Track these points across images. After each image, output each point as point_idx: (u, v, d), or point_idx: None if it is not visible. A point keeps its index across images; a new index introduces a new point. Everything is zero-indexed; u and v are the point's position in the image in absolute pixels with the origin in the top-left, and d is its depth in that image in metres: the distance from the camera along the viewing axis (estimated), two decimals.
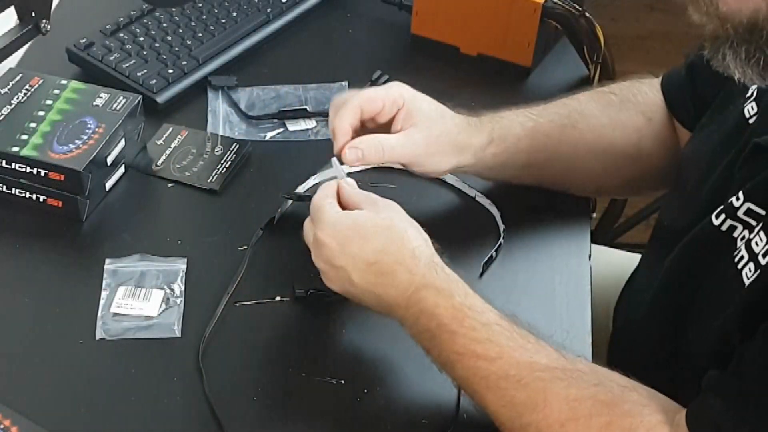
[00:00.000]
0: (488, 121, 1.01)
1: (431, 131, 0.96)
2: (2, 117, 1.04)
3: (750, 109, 0.89)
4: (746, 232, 0.81)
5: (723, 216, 0.83)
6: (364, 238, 0.85)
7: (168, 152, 1.11)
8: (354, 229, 0.86)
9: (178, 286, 0.96)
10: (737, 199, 0.82)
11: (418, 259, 0.85)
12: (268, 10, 1.30)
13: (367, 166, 1.05)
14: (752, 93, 0.90)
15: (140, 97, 1.09)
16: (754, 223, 0.80)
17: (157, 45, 1.23)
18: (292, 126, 1.17)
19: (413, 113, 0.96)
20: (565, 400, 0.77)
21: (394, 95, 0.96)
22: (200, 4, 1.30)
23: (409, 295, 0.84)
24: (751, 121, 0.88)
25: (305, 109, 1.18)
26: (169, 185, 1.08)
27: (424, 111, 0.97)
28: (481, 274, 0.99)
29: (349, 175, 0.97)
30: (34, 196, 1.02)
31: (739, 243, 0.81)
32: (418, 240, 0.86)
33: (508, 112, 1.03)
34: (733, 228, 0.82)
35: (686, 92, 1.04)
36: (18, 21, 1.01)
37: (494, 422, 0.82)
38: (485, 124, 1.00)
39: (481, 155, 0.99)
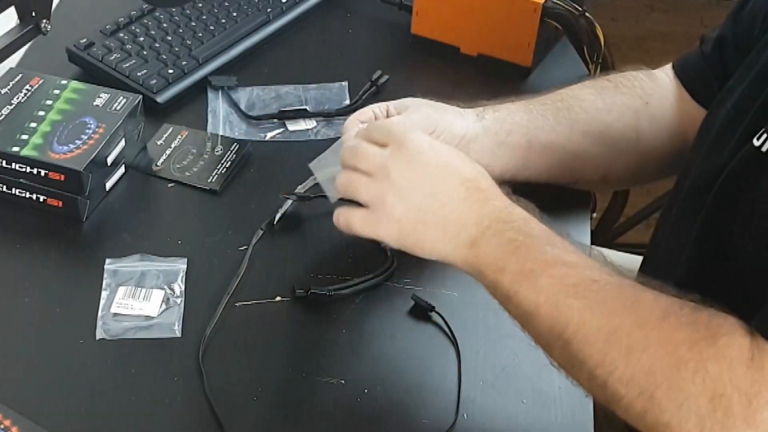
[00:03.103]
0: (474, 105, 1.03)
1: (424, 104, 0.99)
2: (2, 117, 1.04)
3: None
4: None
5: (765, 136, 0.82)
6: (464, 159, 0.87)
7: (168, 152, 1.11)
8: (454, 150, 0.88)
9: (179, 286, 0.96)
10: None
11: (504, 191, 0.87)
12: (268, 10, 1.30)
13: None
14: None
15: (140, 97, 1.09)
16: None
17: (157, 45, 1.23)
18: (292, 126, 1.17)
19: (402, 103, 0.99)
20: (655, 301, 0.76)
21: (378, 104, 0.98)
22: (200, 4, 1.30)
23: (500, 212, 0.83)
24: None
25: (305, 109, 1.18)
26: (169, 185, 1.08)
27: (409, 99, 0.99)
28: None
29: None
30: (34, 196, 1.02)
31: None
32: None
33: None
34: None
35: (708, 70, 1.04)
36: (18, 21, 1.02)
37: (570, 337, 0.77)
38: (472, 106, 1.03)
39: (483, 121, 1.00)
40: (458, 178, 0.85)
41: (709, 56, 1.05)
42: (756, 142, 0.83)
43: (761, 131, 0.83)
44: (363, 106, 1.17)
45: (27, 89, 1.08)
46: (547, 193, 1.06)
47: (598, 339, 0.76)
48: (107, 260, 0.98)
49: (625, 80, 1.08)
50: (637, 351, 0.74)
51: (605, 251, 1.32)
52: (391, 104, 0.99)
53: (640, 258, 1.08)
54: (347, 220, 0.87)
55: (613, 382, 0.75)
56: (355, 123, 0.97)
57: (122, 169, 1.08)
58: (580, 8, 1.21)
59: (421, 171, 0.84)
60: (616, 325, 0.76)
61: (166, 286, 0.96)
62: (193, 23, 1.27)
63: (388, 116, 0.98)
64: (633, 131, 1.05)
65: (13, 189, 1.03)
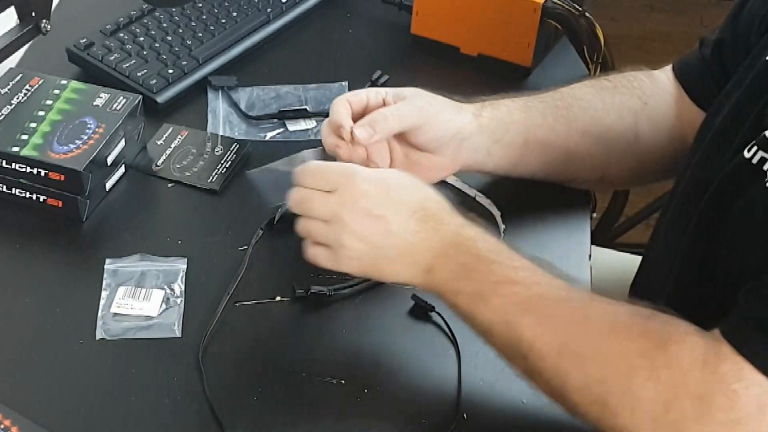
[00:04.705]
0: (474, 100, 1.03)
1: (422, 96, 0.98)
2: (2, 117, 1.04)
3: None
4: None
5: (755, 149, 0.83)
6: (408, 188, 0.88)
7: (168, 152, 1.11)
8: (397, 179, 0.89)
9: (178, 286, 0.96)
10: None
11: (453, 208, 0.88)
12: (268, 10, 1.30)
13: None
14: None
15: (140, 97, 1.09)
16: None
17: (157, 45, 1.23)
18: (292, 126, 1.17)
19: (400, 92, 0.98)
20: (604, 312, 0.79)
21: (375, 89, 0.98)
22: (200, 4, 1.30)
23: (451, 237, 0.85)
24: None
25: (305, 109, 1.18)
26: (169, 185, 1.08)
27: (408, 88, 0.99)
28: None
29: None
30: (34, 196, 1.02)
31: None
32: None
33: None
34: (764, 161, 0.82)
35: (707, 73, 1.04)
36: (18, 21, 1.02)
37: (525, 352, 0.80)
38: (472, 102, 1.02)
39: (480, 119, 1.00)
40: (407, 210, 0.86)
41: (709, 59, 1.05)
42: (747, 154, 0.84)
43: (751, 143, 0.84)
44: None
45: (27, 89, 1.08)
46: (547, 193, 1.07)
47: (550, 353, 0.79)
48: (107, 260, 0.98)
49: (624, 80, 1.08)
50: (588, 362, 0.78)
51: (605, 251, 1.32)
52: (390, 92, 0.98)
53: (639, 258, 1.08)
54: (313, 257, 0.89)
55: (568, 391, 0.78)
56: (345, 104, 0.96)
57: (122, 169, 1.08)
58: (580, 8, 1.21)
59: (371, 212, 0.86)
60: (566, 339, 0.79)
61: (166, 286, 0.96)
62: (193, 23, 1.27)
63: (384, 104, 0.97)
64: (632, 132, 1.05)
65: (13, 189, 1.03)
